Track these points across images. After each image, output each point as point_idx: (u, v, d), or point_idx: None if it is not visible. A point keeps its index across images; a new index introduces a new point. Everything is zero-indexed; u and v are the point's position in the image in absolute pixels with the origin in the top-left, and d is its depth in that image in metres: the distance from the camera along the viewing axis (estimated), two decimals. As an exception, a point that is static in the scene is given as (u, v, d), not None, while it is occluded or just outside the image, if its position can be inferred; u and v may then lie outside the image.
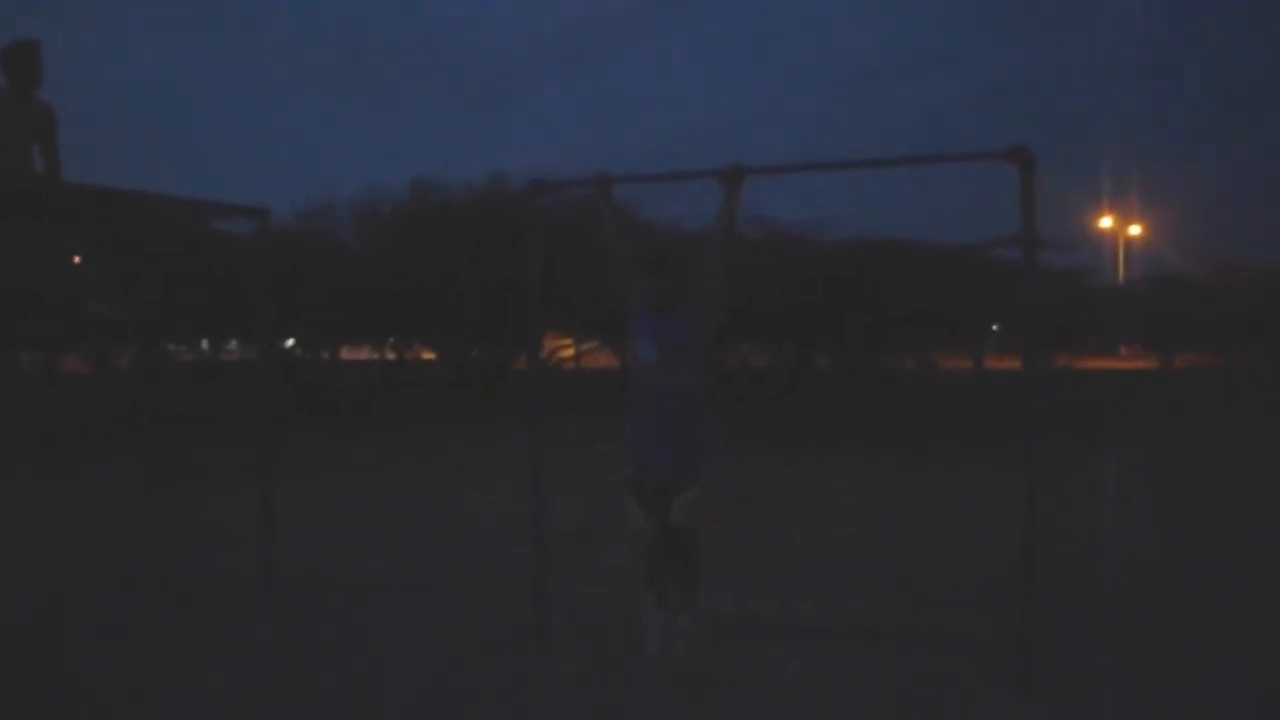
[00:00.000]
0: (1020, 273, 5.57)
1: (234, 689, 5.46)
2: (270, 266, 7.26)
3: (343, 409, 21.31)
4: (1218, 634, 6.17)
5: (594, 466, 9.81)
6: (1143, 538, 8.59)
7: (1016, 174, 5.15)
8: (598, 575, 7.32)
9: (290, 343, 25.48)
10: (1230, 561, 7.97)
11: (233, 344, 31.92)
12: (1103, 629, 6.19)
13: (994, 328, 30.24)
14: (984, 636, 5.97)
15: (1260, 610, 6.67)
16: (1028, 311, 5.65)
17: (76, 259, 7.63)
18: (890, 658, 5.79)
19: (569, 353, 27.74)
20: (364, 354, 32.33)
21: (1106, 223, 62.80)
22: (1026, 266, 5.42)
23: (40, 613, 6.87)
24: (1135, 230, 64.37)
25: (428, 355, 29.19)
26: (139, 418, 14.20)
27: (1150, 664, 5.61)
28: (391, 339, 27.46)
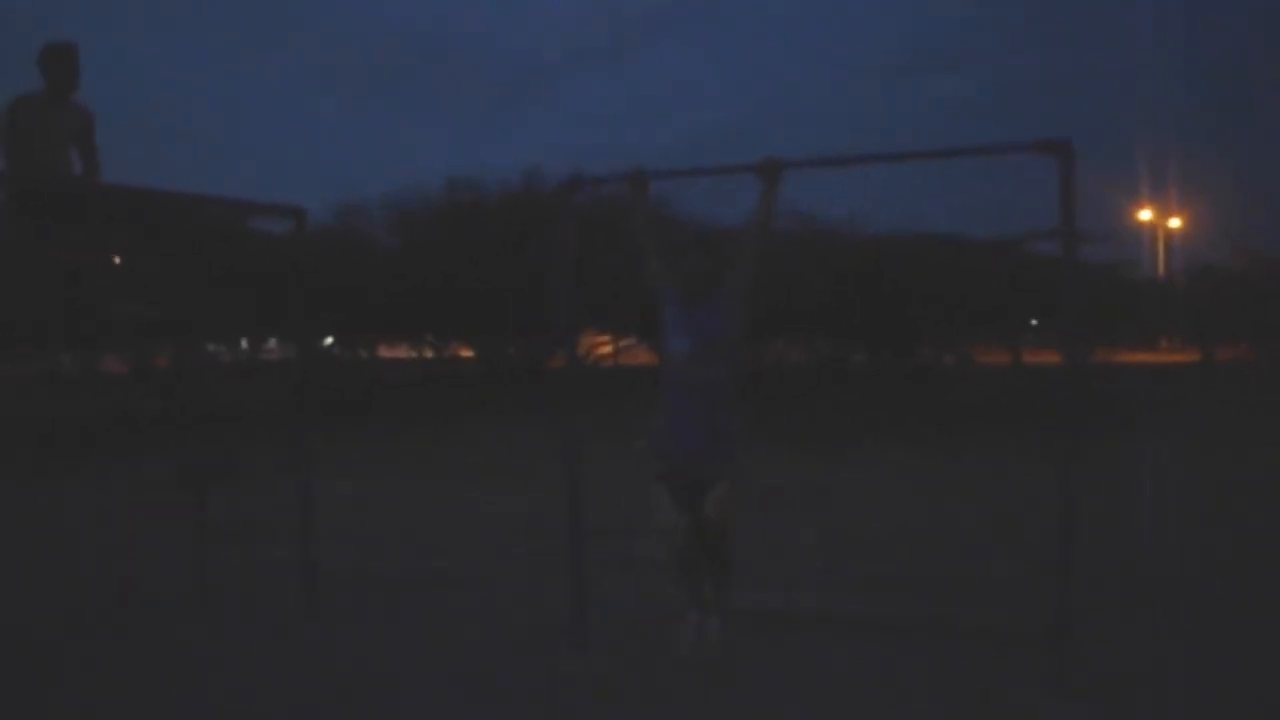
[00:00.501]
0: (1059, 266, 5.52)
1: (267, 687, 5.48)
2: (307, 266, 7.28)
3: (377, 408, 21.38)
4: (1254, 631, 6.10)
5: (628, 463, 9.81)
6: (1180, 533, 8.53)
7: (1055, 167, 5.10)
8: (630, 572, 7.31)
9: (329, 341, 25.62)
10: (1270, 557, 7.89)
11: (272, 343, 32.09)
12: (1139, 624, 6.15)
13: (1032, 322, 30.11)
14: (1019, 631, 5.92)
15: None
16: (1068, 305, 5.60)
17: (115, 259, 7.67)
18: (925, 652, 5.75)
19: (606, 350, 27.76)
20: (402, 352, 32.45)
21: (1146, 215, 62.41)
22: (1066, 260, 5.36)
23: (75, 611, 6.92)
24: (1175, 223, 63.91)
25: (466, 353, 29.26)
26: (177, 417, 14.27)
27: (1186, 659, 5.57)
28: (429, 337, 27.54)
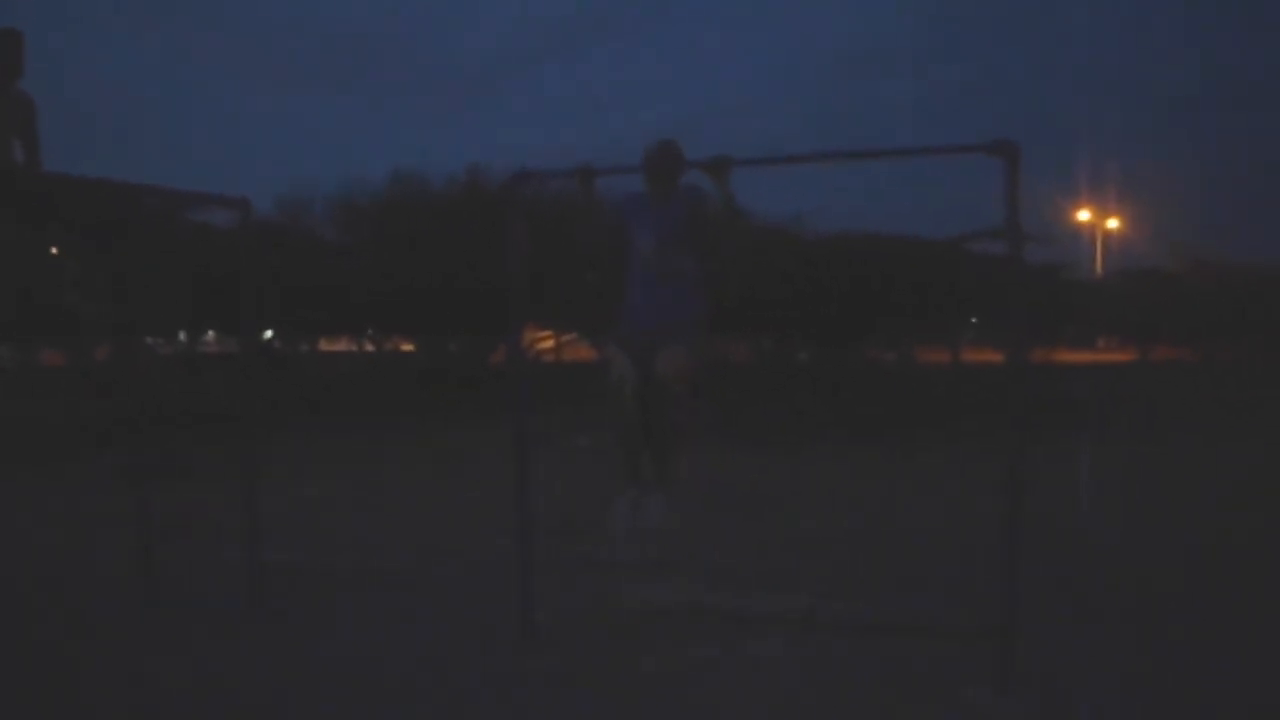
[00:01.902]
0: (1002, 266, 5.58)
1: (218, 687, 5.44)
2: (252, 258, 7.20)
3: (322, 403, 21.23)
4: (1197, 626, 6.19)
5: (576, 460, 9.81)
6: (1123, 530, 8.62)
7: (1002, 167, 5.15)
8: (585, 570, 7.31)
9: (268, 335, 25.38)
10: (1211, 555, 8.00)
11: (210, 335, 31.77)
12: (1083, 620, 6.22)
13: (972, 320, 30.29)
14: (964, 627, 5.97)
15: (1238, 604, 6.70)
16: (1014, 304, 5.64)
17: (54, 250, 7.57)
18: (875, 649, 5.79)
19: (548, 345, 27.69)
20: (341, 346, 32.27)
21: (1084, 216, 63.06)
22: (1012, 259, 5.41)
23: (18, 610, 6.83)
24: (1113, 224, 64.64)
25: (406, 347, 29.10)
26: (120, 412, 14.06)
27: (1129, 655, 5.64)
28: (370, 331, 27.36)
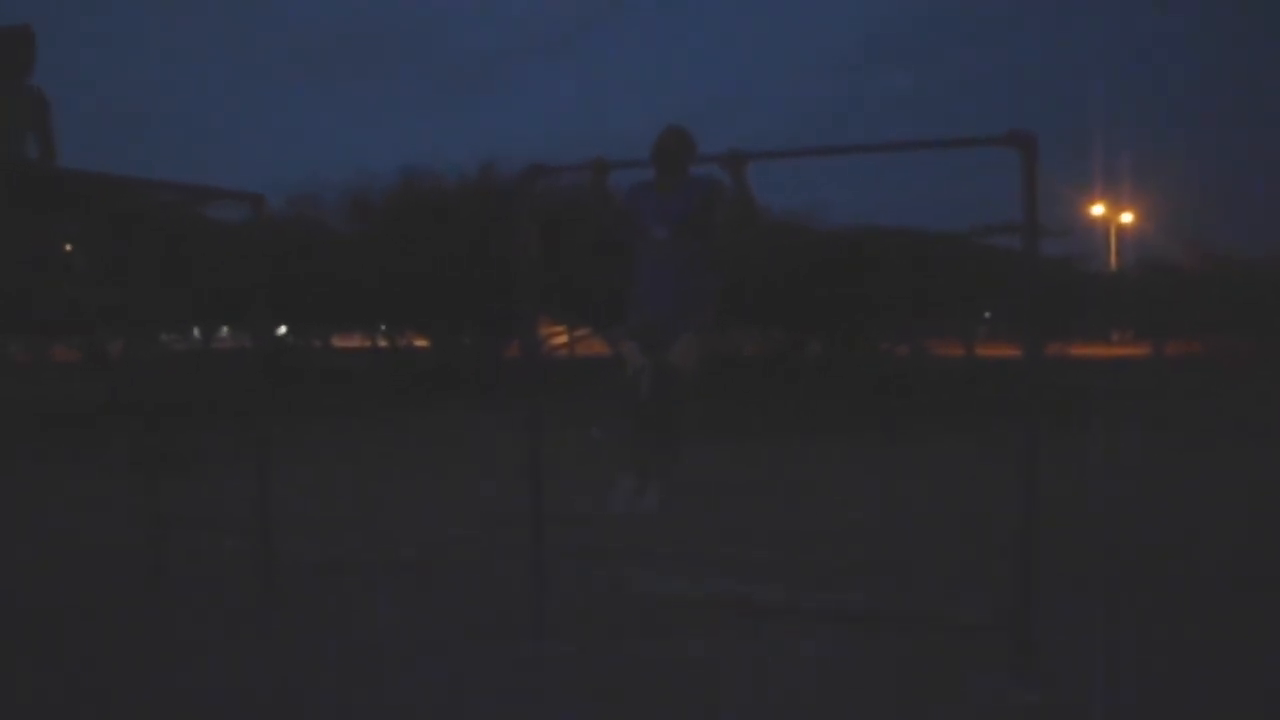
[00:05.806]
0: (1017, 259, 5.56)
1: (230, 679, 5.43)
2: (266, 254, 7.20)
3: (334, 397, 21.26)
4: (1213, 618, 6.17)
5: (589, 452, 9.80)
6: (1137, 522, 8.60)
7: (1018, 160, 5.12)
8: (594, 559, 7.31)
9: (282, 330, 25.47)
10: (1226, 546, 7.97)
11: (224, 331, 31.84)
12: (1097, 612, 6.20)
13: (986, 314, 30.24)
14: (977, 619, 5.97)
15: (1257, 593, 6.68)
16: (1030, 298, 5.61)
17: (68, 246, 7.61)
18: (890, 641, 5.79)
19: (562, 340, 27.71)
20: (355, 342, 32.36)
21: (1098, 210, 62.89)
22: (1029, 253, 5.39)
23: (28, 603, 6.82)
24: (1127, 218, 64.44)
25: (420, 342, 29.16)
26: (131, 405, 14.10)
27: (1144, 646, 5.62)
28: (383, 326, 27.40)
